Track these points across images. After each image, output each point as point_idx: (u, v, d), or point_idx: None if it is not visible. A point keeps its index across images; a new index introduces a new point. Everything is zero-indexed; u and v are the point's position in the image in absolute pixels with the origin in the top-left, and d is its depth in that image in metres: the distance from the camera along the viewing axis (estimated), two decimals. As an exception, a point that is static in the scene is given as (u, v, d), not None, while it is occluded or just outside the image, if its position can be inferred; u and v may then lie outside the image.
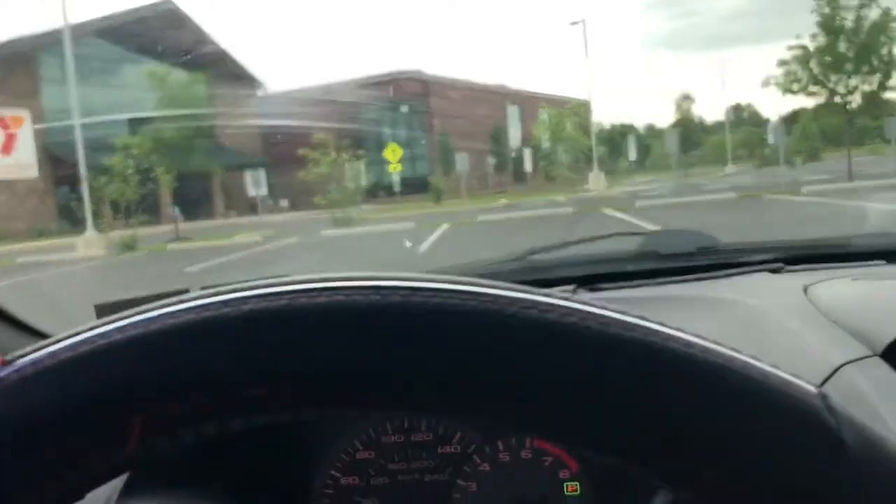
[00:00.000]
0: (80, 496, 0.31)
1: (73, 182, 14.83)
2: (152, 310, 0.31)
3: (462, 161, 20.60)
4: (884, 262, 1.07)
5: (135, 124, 17.36)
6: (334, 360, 0.29)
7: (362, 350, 0.28)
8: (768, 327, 0.82)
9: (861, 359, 0.66)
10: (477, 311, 0.29)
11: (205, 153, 18.15)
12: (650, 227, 7.43)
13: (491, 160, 23.82)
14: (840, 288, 0.91)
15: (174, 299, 0.31)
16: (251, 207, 21.09)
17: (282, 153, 20.21)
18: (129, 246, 12.93)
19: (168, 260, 11.45)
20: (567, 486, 0.79)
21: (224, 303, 0.29)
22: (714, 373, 0.29)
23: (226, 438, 0.79)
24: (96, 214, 14.31)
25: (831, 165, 17.70)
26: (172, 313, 0.30)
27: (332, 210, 15.55)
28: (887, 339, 0.67)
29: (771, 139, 19.78)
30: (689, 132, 25.15)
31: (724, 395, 0.29)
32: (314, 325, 0.28)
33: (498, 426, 0.32)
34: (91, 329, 0.31)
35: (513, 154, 24.66)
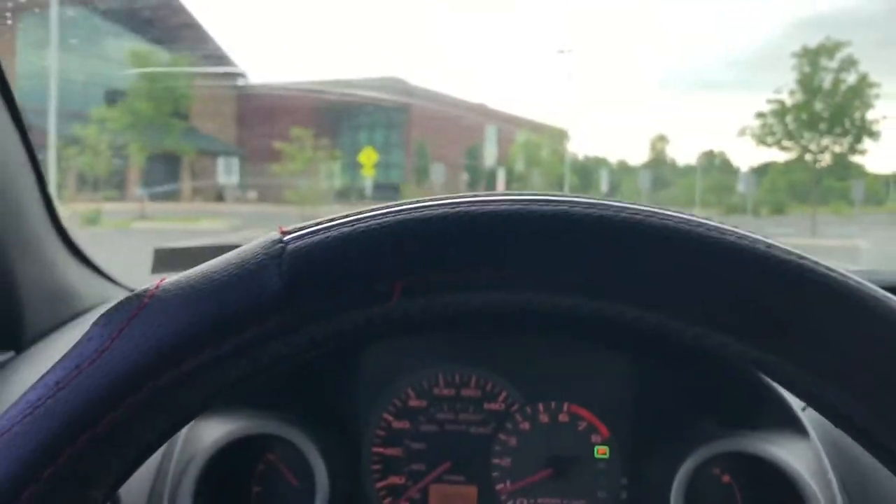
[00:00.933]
0: (345, 338, 0.38)
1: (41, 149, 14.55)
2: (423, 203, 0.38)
3: (438, 171, 20.73)
4: None
5: (111, 98, 17.15)
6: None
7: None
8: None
9: None
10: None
11: (180, 135, 18.00)
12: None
13: (465, 176, 23.99)
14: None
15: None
16: (218, 195, 20.92)
17: (256, 144, 20.12)
18: (92, 220, 12.76)
19: (131, 238, 11.33)
20: (597, 449, 0.87)
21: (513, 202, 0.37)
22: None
23: (296, 369, 0.86)
24: (60, 185, 14.09)
25: (795, 220, 18.15)
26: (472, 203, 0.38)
27: (301, 206, 15.52)
28: None
29: (741, 187, 20.28)
30: (661, 172, 25.62)
31: None
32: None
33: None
34: (372, 211, 0.38)
35: (486, 172, 24.85)
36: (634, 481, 0.86)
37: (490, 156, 25.89)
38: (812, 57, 16.17)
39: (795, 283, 0.34)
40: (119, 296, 1.16)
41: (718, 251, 0.35)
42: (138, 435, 0.36)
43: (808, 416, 0.81)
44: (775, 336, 0.34)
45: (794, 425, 0.80)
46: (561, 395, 0.88)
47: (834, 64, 16.12)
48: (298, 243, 0.37)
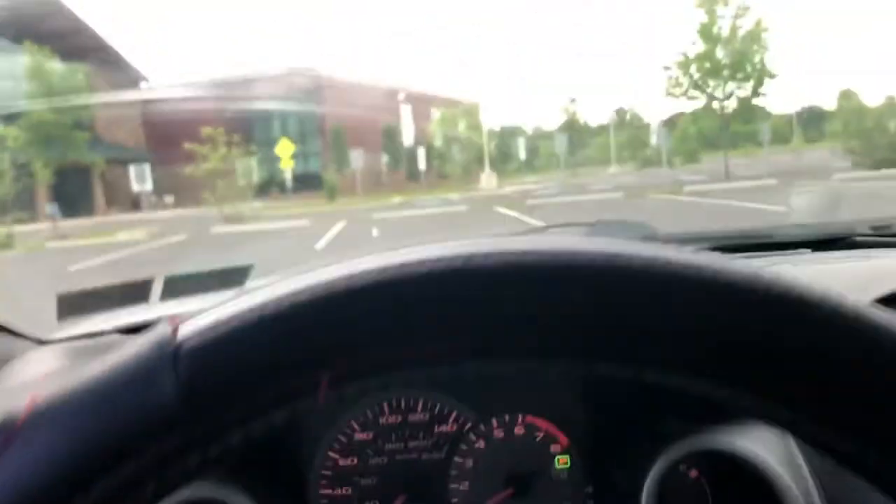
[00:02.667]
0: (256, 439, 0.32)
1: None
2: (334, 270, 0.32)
3: (357, 157, 20.47)
4: (809, 250, 1.16)
5: (9, 116, 16.42)
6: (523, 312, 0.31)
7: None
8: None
9: None
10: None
11: (85, 147, 17.35)
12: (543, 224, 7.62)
13: (384, 158, 23.83)
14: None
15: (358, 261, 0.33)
16: (133, 204, 20.30)
17: (167, 148, 19.56)
18: (5, 244, 12.22)
19: (48, 258, 10.89)
20: (558, 459, 0.83)
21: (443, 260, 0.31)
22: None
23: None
24: (-38, 211, 13.47)
25: (709, 167, 18.61)
26: (368, 272, 0.31)
27: (220, 206, 15.17)
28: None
29: (654, 140, 20.69)
30: (576, 134, 25.90)
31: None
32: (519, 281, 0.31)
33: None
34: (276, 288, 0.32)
35: (406, 152, 24.73)
36: (600, 489, 0.82)
37: (408, 135, 25.78)
38: (708, 5, 16.53)
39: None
40: (26, 349, 1.07)
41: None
42: None
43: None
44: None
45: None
46: (515, 407, 0.84)
47: (730, 11, 16.53)
48: (194, 341, 0.31)
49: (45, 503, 0.30)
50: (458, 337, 0.32)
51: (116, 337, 1.08)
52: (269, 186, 21.07)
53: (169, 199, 21.00)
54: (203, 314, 0.33)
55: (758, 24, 16.46)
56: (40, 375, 0.98)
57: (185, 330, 0.32)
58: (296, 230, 12.00)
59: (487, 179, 21.20)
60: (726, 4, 16.36)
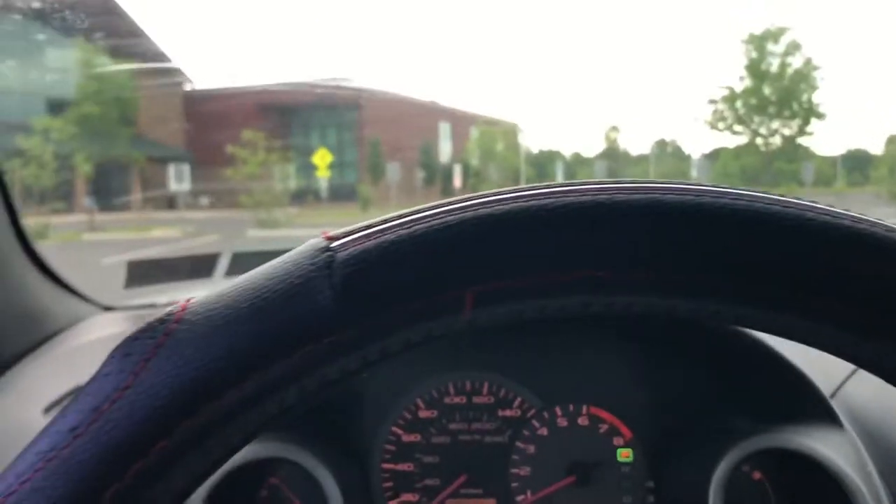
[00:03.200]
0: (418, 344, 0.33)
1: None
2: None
3: (394, 170, 20.59)
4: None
5: (55, 107, 16.72)
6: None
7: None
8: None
9: None
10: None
11: (128, 143, 17.63)
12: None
13: (420, 173, 23.91)
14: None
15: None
16: (169, 202, 20.54)
17: (207, 150, 19.81)
18: (40, 234, 12.41)
19: (82, 250, 11.04)
20: (621, 452, 0.83)
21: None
22: None
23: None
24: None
25: (747, 204, 18.30)
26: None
27: (256, 211, 15.31)
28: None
29: (694, 173, 20.59)
30: (615, 162, 25.85)
31: None
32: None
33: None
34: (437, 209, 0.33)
35: (442, 169, 24.81)
36: (662, 484, 0.82)
37: (445, 152, 25.88)
38: (758, 42, 16.45)
39: None
40: (92, 313, 1.09)
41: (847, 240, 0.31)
42: (171, 482, 0.31)
43: (839, 405, 0.78)
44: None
45: (828, 417, 0.76)
46: (579, 397, 0.84)
47: (780, 48, 16.44)
48: (349, 250, 0.32)
49: (199, 396, 0.31)
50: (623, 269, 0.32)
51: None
52: (305, 194, 21.24)
53: (204, 200, 21.22)
54: (355, 226, 0.34)
55: (807, 62, 16.37)
56: (105, 339, 1.00)
57: (339, 242, 0.33)
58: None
59: (522, 200, 21.10)
60: (776, 42, 16.30)
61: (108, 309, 1.11)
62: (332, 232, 0.35)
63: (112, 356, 0.32)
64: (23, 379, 0.87)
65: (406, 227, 0.33)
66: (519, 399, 0.84)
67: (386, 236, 0.32)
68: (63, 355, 0.94)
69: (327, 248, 0.33)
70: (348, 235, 0.33)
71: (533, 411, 0.83)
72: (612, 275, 0.32)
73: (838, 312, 0.31)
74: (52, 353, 0.94)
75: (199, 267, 1.13)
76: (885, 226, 0.31)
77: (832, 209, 0.32)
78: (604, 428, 0.83)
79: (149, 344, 0.31)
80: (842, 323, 0.32)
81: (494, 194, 0.33)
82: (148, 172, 20.81)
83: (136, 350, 0.31)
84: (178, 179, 20.06)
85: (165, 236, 12.56)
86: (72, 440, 0.30)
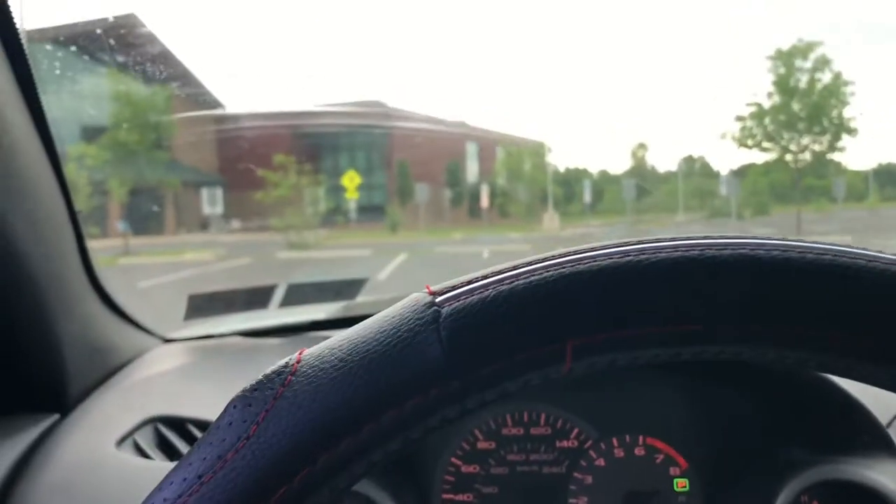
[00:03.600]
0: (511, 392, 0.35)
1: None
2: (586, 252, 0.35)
3: (422, 191, 20.68)
4: None
5: (89, 134, 17.01)
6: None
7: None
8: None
9: None
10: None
11: (162, 168, 17.89)
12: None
13: (447, 194, 24.00)
14: None
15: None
16: (202, 226, 20.76)
17: (239, 173, 20.04)
18: (79, 259, 12.56)
19: (119, 274, 11.21)
20: (677, 482, 0.84)
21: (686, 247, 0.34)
22: None
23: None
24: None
25: (779, 220, 18.26)
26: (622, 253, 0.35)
27: (287, 233, 15.43)
28: None
29: (723, 191, 20.39)
30: (643, 179, 25.75)
31: None
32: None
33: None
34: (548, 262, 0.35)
35: (469, 189, 24.87)
36: (719, 514, 0.83)
37: (472, 173, 25.94)
38: (786, 58, 16.35)
39: None
40: (155, 345, 1.12)
41: None
42: None
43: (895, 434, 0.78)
44: None
45: (886, 447, 0.77)
46: (635, 427, 0.85)
47: (808, 64, 16.31)
48: (454, 305, 0.34)
49: (318, 445, 0.33)
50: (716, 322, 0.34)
51: (238, 339, 1.13)
52: (334, 216, 21.37)
53: (236, 223, 21.42)
54: (457, 281, 0.37)
55: (837, 77, 16.22)
56: (169, 371, 1.03)
57: (443, 297, 0.35)
58: (359, 260, 12.14)
59: (550, 220, 21.16)
60: (805, 58, 16.19)
61: (167, 341, 1.14)
62: (435, 287, 0.37)
63: (233, 405, 0.34)
64: (93, 412, 0.90)
65: (507, 282, 0.35)
66: (576, 430, 0.85)
67: (489, 292, 0.35)
68: (130, 388, 0.97)
69: (433, 304, 0.35)
70: (451, 290, 0.36)
71: (590, 442, 0.85)
72: (703, 328, 0.34)
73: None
74: (119, 386, 0.97)
75: (256, 298, 1.16)
76: None
77: None
78: (660, 458, 0.84)
79: (268, 395, 0.34)
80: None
81: (589, 249, 0.36)
82: (181, 197, 21.07)
83: (256, 401, 0.34)
84: (211, 203, 20.28)
85: (198, 259, 12.69)
86: (199, 487, 0.32)
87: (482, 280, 0.36)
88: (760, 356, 0.35)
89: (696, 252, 0.34)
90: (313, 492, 0.33)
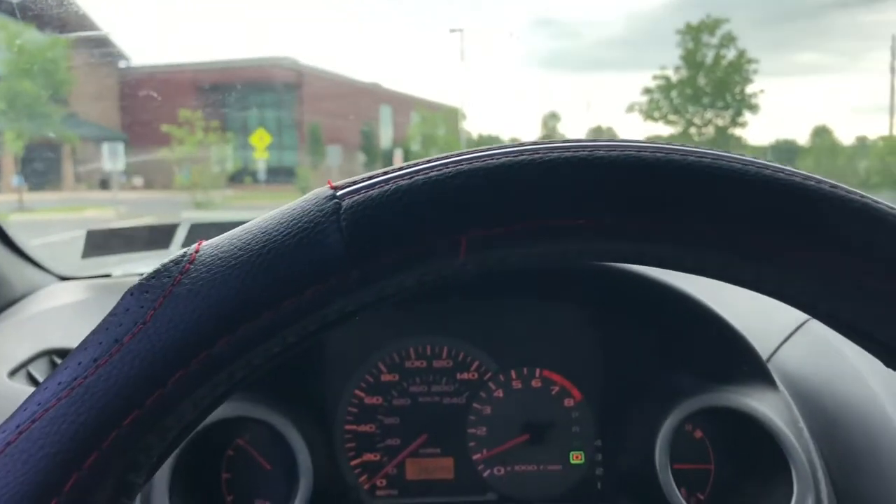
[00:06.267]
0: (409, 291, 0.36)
1: None
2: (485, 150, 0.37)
3: (335, 153, 20.41)
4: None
5: (-19, 82, 16.09)
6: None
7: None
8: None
9: None
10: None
11: (60, 121, 17.10)
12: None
13: (361, 156, 23.79)
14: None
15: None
16: (102, 183, 20.00)
17: (142, 129, 19.34)
18: (-33, 213, 11.95)
19: (11, 230, 10.69)
20: (572, 412, 0.88)
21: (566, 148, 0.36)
22: None
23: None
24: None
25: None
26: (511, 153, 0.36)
27: (192, 191, 15.01)
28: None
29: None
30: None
31: None
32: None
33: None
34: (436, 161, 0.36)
35: (383, 153, 24.72)
36: (610, 442, 0.87)
37: (386, 136, 25.79)
38: (695, 33, 16.80)
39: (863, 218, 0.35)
40: (49, 282, 1.09)
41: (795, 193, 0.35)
42: (183, 413, 0.34)
43: (774, 369, 0.84)
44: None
45: (763, 378, 0.82)
46: (533, 360, 0.88)
47: (715, 40, 16.81)
48: (355, 198, 0.35)
49: (215, 331, 0.34)
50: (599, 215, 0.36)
51: (137, 278, 1.11)
52: (242, 176, 20.90)
53: (138, 180, 20.70)
54: (359, 177, 0.37)
55: (741, 54, 16.78)
56: (63, 307, 1.01)
57: (344, 190, 0.36)
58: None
59: (461, 186, 21.18)
60: (712, 33, 16.66)
61: (64, 279, 1.11)
62: (336, 182, 0.38)
63: (129, 293, 0.34)
64: (-15, 345, 0.87)
65: (406, 178, 0.36)
66: (476, 363, 0.88)
67: (389, 186, 0.36)
68: (23, 322, 0.94)
69: (334, 196, 0.36)
70: (352, 185, 0.37)
71: (489, 374, 0.88)
72: (591, 222, 0.36)
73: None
74: (11, 320, 0.94)
75: (157, 237, 1.14)
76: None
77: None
78: (555, 390, 0.88)
79: (166, 283, 0.34)
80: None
81: (487, 149, 0.37)
82: (80, 152, 20.20)
83: (153, 288, 0.34)
84: (112, 159, 19.52)
85: (98, 217, 12.22)
86: (94, 370, 0.32)
87: (383, 175, 0.36)
88: (644, 254, 0.37)
89: (585, 152, 0.36)
90: (209, 378, 0.33)
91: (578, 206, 0.36)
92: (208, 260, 0.34)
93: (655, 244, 0.37)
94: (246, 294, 0.34)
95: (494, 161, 0.36)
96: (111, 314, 0.34)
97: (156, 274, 0.34)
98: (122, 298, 0.34)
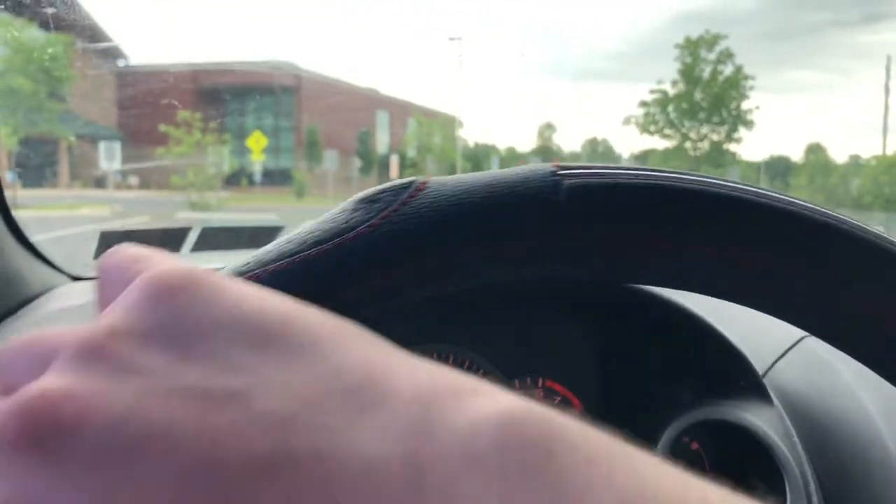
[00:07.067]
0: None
1: None
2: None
3: (331, 158, 20.45)
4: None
5: (-21, 78, 16.05)
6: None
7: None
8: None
9: None
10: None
11: (57, 118, 17.06)
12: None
13: (357, 162, 23.80)
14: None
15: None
16: (98, 181, 19.95)
17: (139, 128, 19.31)
18: (-40, 209, 11.88)
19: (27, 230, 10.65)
20: (572, 422, 0.90)
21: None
22: None
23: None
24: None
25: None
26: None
27: (188, 192, 15.00)
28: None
29: (625, 174, 20.96)
30: (549, 159, 26.20)
31: None
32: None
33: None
34: None
35: (379, 159, 24.73)
36: (609, 452, 0.89)
37: (382, 142, 25.81)
38: (693, 48, 16.86)
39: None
40: (62, 282, 1.11)
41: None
42: (398, 304, 0.36)
43: (769, 384, 0.86)
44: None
45: (759, 392, 0.85)
46: (538, 370, 0.90)
47: (713, 56, 16.88)
48: (576, 180, 0.37)
49: (441, 245, 0.36)
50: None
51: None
52: (238, 177, 20.90)
53: (134, 180, 20.66)
54: (583, 164, 0.40)
55: (738, 70, 16.85)
56: (77, 307, 1.03)
57: (565, 171, 0.39)
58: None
59: (457, 194, 21.18)
60: (710, 49, 16.74)
61: (76, 279, 1.13)
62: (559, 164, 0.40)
63: (358, 201, 0.36)
64: (3, 340, 0.89)
65: (626, 177, 0.38)
66: (482, 371, 0.90)
67: (606, 179, 0.38)
68: (38, 322, 0.96)
69: (555, 174, 0.38)
70: (578, 169, 0.39)
71: (495, 383, 0.90)
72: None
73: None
74: (27, 319, 0.96)
75: (168, 241, 1.16)
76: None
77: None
78: (557, 400, 0.90)
79: (398, 198, 0.36)
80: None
81: (704, 176, 0.41)
82: (76, 150, 20.16)
83: (384, 199, 0.36)
84: (109, 158, 19.46)
85: (94, 215, 12.20)
86: (317, 252, 0.34)
87: (608, 169, 0.39)
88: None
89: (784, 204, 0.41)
90: (430, 283, 0.36)
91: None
92: (438, 188, 0.37)
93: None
94: (475, 220, 0.36)
95: (689, 185, 0.38)
96: (335, 214, 0.37)
97: (380, 193, 0.37)
98: (348, 205, 0.37)
